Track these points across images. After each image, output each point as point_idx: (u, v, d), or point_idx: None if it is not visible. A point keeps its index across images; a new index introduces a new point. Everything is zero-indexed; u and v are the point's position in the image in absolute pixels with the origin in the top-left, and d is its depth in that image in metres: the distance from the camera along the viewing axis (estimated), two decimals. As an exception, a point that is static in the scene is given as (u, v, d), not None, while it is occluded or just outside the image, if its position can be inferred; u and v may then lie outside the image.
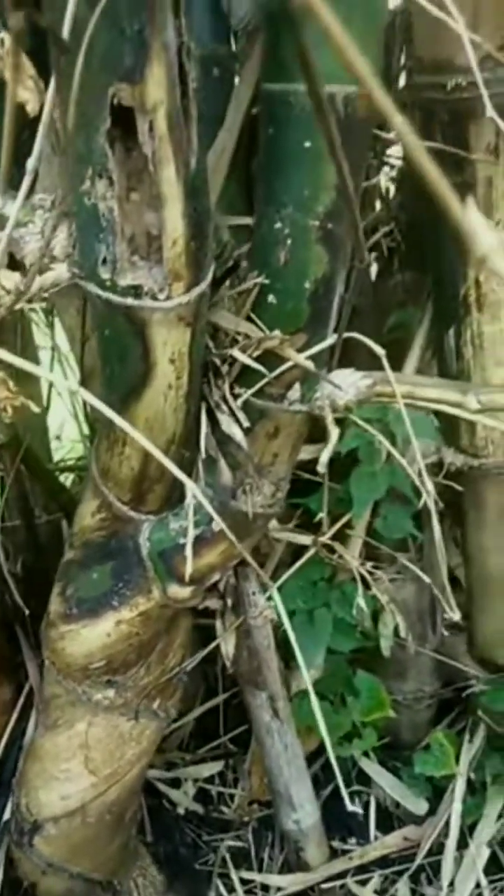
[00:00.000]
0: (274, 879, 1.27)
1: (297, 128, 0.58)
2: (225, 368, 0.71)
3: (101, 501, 0.83)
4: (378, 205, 1.06)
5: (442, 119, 0.87)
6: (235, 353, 0.67)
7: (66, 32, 0.47)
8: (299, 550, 1.09)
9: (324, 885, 1.28)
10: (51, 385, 1.44)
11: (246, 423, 0.72)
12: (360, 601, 1.07)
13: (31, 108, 0.48)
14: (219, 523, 0.70)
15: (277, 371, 0.68)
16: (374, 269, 1.11)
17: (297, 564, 1.04)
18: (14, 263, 0.60)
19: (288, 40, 0.58)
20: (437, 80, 0.85)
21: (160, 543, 0.82)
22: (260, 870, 1.30)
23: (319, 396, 0.69)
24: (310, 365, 0.64)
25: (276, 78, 0.58)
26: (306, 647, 1.07)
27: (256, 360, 0.69)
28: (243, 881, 1.27)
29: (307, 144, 0.58)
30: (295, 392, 0.71)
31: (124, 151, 0.53)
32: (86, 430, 1.46)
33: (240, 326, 0.68)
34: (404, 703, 1.39)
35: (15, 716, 1.17)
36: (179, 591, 0.83)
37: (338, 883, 1.28)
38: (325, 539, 1.04)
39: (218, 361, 0.71)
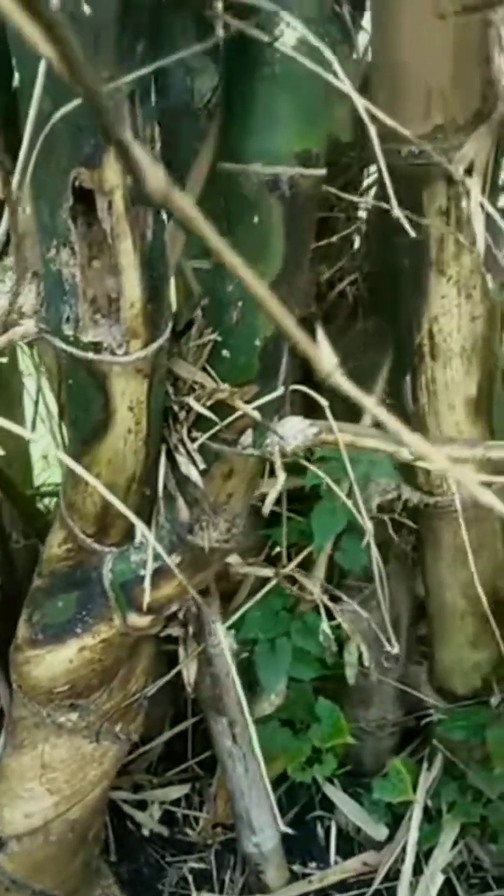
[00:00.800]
0: (234, 901, 1.31)
1: (248, 204, 0.64)
2: (183, 414, 0.77)
3: (67, 533, 0.89)
4: (345, 255, 1.12)
5: (398, 183, 0.94)
6: (191, 401, 0.73)
7: (31, 122, 0.53)
8: (264, 581, 1.14)
9: (283, 908, 1.32)
10: (36, 407, 1.50)
11: (202, 465, 0.77)
12: (326, 629, 1.13)
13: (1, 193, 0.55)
14: (169, 562, 0.75)
15: (230, 419, 0.73)
16: (339, 315, 1.18)
17: (258, 595, 1.09)
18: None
19: (241, 124, 0.64)
20: (393, 148, 0.92)
21: (121, 575, 0.87)
22: (221, 891, 1.33)
23: (269, 442, 0.75)
24: (257, 415, 0.70)
25: (231, 157, 0.65)
26: (268, 675, 1.12)
27: (212, 407, 0.75)
28: (203, 903, 1.31)
29: (255, 220, 0.64)
30: (247, 437, 0.77)
31: (86, 225, 0.59)
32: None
33: (196, 376, 0.74)
34: (368, 730, 1.43)
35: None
36: (138, 621, 0.88)
37: (297, 906, 1.32)
38: (286, 571, 1.09)
39: (176, 407, 0.77)
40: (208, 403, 0.74)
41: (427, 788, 1.35)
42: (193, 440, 0.77)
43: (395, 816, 1.39)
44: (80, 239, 0.59)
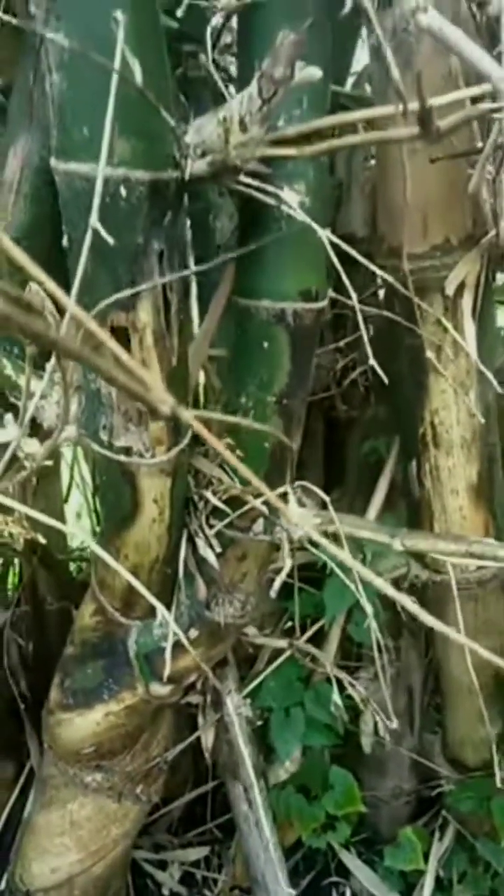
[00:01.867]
0: None
1: (258, 333, 0.76)
2: (202, 504, 0.87)
3: (97, 606, 0.99)
4: (357, 349, 1.23)
5: (399, 294, 1.05)
6: (209, 495, 0.83)
7: (79, 274, 0.65)
8: (280, 651, 1.22)
9: None
10: (71, 475, 1.62)
11: (218, 549, 0.87)
12: (337, 699, 1.20)
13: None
14: (183, 639, 0.85)
15: (242, 510, 0.84)
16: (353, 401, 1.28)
17: (273, 666, 1.17)
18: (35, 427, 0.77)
19: (253, 264, 0.76)
20: (393, 263, 1.03)
21: (145, 646, 0.96)
22: None
23: (278, 530, 0.85)
24: (265, 510, 0.80)
25: (243, 293, 0.76)
26: (283, 743, 1.19)
27: (227, 500, 0.85)
28: None
29: (265, 345, 0.76)
30: (259, 525, 0.87)
31: (120, 353, 0.70)
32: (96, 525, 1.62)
33: (213, 471, 0.84)
34: (383, 798, 1.48)
35: (16, 793, 1.30)
36: (160, 689, 0.97)
37: None
38: (299, 643, 1.17)
39: (196, 498, 0.87)
40: (224, 497, 0.84)
41: (439, 858, 1.39)
42: (211, 527, 0.87)
43: (408, 885, 1.43)
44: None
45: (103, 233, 0.57)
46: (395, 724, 1.10)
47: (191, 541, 0.89)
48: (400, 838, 1.39)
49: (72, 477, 1.31)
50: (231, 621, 0.93)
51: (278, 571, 1.03)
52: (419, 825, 1.47)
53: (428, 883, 1.37)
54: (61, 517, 1.66)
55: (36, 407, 0.75)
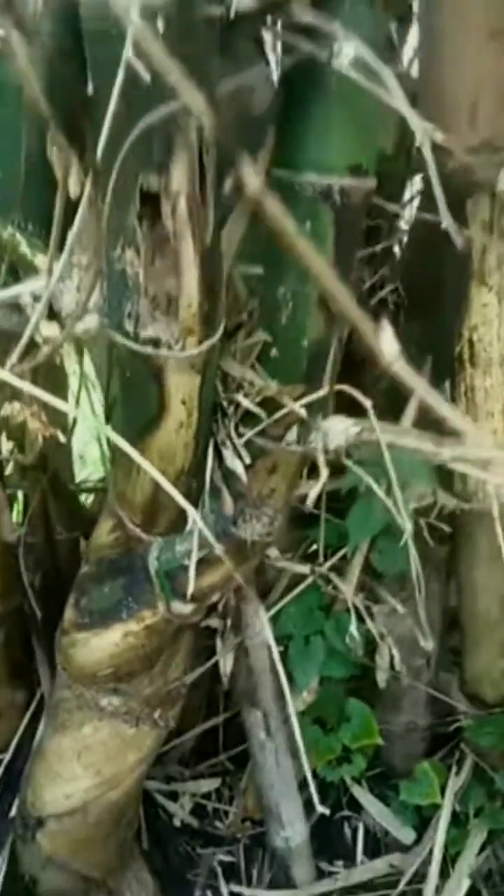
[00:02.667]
0: (261, 895, 1.33)
1: (300, 210, 0.68)
2: (231, 410, 0.80)
3: (115, 522, 0.92)
4: (387, 264, 1.15)
5: (443, 195, 0.97)
6: (240, 398, 0.76)
7: (106, 129, 0.57)
8: (301, 578, 1.17)
9: (309, 905, 1.33)
10: (77, 408, 1.55)
11: (247, 460, 0.81)
12: (353, 631, 1.15)
13: (74, 192, 0.59)
14: (218, 549, 0.78)
15: (276, 416, 0.77)
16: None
17: (295, 591, 1.12)
18: (50, 312, 0.70)
19: (296, 135, 0.68)
20: (439, 161, 0.95)
21: (167, 563, 0.90)
22: (249, 884, 1.35)
23: (313, 439, 0.78)
24: (303, 413, 0.73)
25: (287, 166, 0.68)
26: (301, 672, 1.15)
27: (259, 404, 0.78)
28: (232, 894, 1.33)
29: (307, 227, 0.68)
30: (292, 434, 0.80)
31: (150, 227, 0.63)
32: (106, 454, 1.55)
33: (245, 374, 0.77)
34: (397, 733, 1.45)
35: (26, 719, 1.26)
36: (182, 608, 0.92)
37: (323, 903, 1.34)
38: (322, 569, 1.12)
39: (225, 404, 0.80)
40: (256, 400, 0.77)
41: (455, 792, 1.36)
42: (240, 436, 0.81)
43: (422, 820, 1.40)
44: (145, 240, 0.63)
45: (139, 69, 0.49)
46: (431, 645, 1.05)
47: (217, 452, 0.83)
48: (416, 772, 1.36)
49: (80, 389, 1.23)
50: (258, 539, 0.87)
51: (300, 499, 0.97)
52: (436, 759, 1.44)
53: (444, 817, 1.34)
54: (67, 450, 1.60)
55: (52, 293, 0.68)
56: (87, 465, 1.83)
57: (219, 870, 1.36)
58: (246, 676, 1.16)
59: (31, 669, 1.30)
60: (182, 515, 0.89)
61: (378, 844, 1.44)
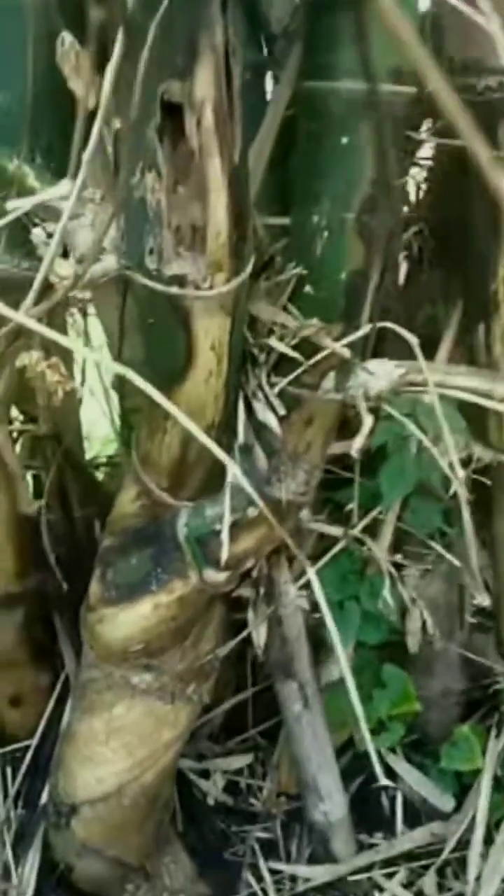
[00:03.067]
0: (302, 871, 1.28)
1: (336, 124, 0.61)
2: (262, 358, 0.74)
3: (140, 489, 0.86)
4: (409, 204, 1.08)
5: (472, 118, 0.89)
6: (273, 342, 0.70)
7: (122, 32, 0.50)
8: (329, 546, 1.11)
9: (351, 878, 1.29)
10: (82, 385, 1.48)
11: (281, 411, 0.74)
12: (386, 595, 1.09)
13: (88, 104, 0.51)
14: (258, 504, 0.72)
15: (313, 360, 0.70)
16: (404, 267, 1.13)
17: (329, 554, 1.06)
18: (64, 254, 0.63)
19: (329, 41, 0.61)
20: (467, 82, 0.87)
21: (197, 529, 0.84)
22: (288, 861, 1.31)
23: (353, 385, 0.72)
24: (346, 352, 0.66)
25: (319, 77, 0.61)
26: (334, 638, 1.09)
27: (292, 350, 0.71)
28: (272, 872, 1.28)
29: (345, 140, 0.61)
30: (329, 381, 0.73)
31: (172, 146, 0.56)
32: (118, 427, 1.48)
33: (277, 317, 0.70)
34: (432, 699, 1.39)
35: (52, 702, 1.20)
36: (215, 576, 0.85)
37: (365, 876, 1.29)
38: (355, 532, 1.05)
39: (255, 351, 0.74)
40: (291, 344, 0.70)
41: (496, 756, 1.31)
42: (273, 385, 0.74)
43: (462, 787, 1.35)
44: (167, 160, 0.56)
45: None
46: (488, 600, 0.99)
47: (248, 405, 0.76)
48: (455, 737, 1.30)
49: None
50: (293, 498, 0.81)
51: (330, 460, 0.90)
52: (474, 723, 1.39)
53: (486, 781, 1.29)
54: (77, 425, 1.53)
55: (65, 231, 0.61)
56: (94, 445, 1.76)
57: (257, 847, 1.32)
58: (279, 647, 1.10)
59: (53, 651, 1.24)
60: (212, 477, 0.83)
61: (417, 814, 1.39)
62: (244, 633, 1.03)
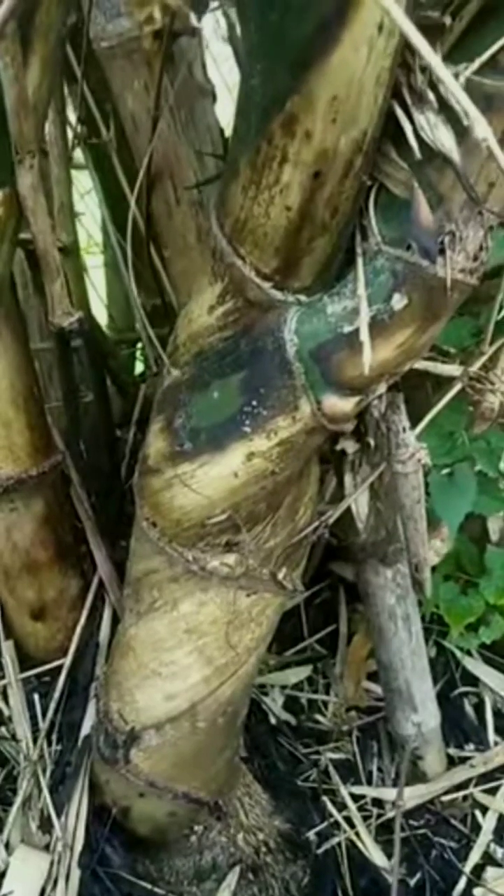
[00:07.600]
0: (389, 793, 1.06)
1: None
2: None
3: (226, 284, 0.58)
4: None
5: None
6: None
7: None
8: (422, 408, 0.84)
9: (445, 798, 1.08)
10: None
11: (466, 119, 0.46)
12: (509, 453, 0.84)
13: None
14: (406, 292, 0.45)
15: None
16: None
17: (439, 405, 0.79)
18: None
19: None
20: None
21: (314, 337, 0.57)
22: (370, 783, 1.09)
23: None
24: None
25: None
26: (448, 511, 0.84)
27: None
28: (353, 797, 1.06)
29: None
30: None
31: None
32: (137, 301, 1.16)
33: None
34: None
35: (85, 612, 0.95)
36: (339, 404, 0.58)
37: (461, 794, 1.08)
38: (474, 369, 0.80)
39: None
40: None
41: None
42: (456, 75, 0.46)
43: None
44: None
45: None
46: None
47: (407, 112, 0.48)
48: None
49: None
50: (460, 277, 0.54)
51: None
52: None
53: None
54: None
55: None
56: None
57: (332, 770, 1.09)
58: (374, 525, 0.85)
59: (80, 554, 0.97)
60: (337, 254, 0.55)
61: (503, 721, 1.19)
62: (345, 503, 0.77)
